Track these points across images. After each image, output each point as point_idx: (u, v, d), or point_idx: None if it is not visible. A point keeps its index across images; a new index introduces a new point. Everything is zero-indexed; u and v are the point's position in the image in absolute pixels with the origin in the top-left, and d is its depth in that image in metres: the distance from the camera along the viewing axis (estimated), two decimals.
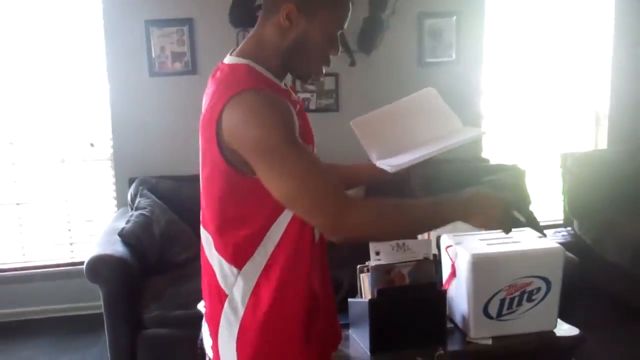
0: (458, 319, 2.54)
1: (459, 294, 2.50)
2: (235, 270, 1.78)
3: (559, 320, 2.57)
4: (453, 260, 2.49)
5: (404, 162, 1.88)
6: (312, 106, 4.77)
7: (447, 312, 2.52)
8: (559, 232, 5.29)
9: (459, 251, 2.44)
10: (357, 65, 4.75)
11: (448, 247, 2.51)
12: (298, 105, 1.79)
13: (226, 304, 1.80)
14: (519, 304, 2.45)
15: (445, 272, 2.58)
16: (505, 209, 1.80)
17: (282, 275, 1.77)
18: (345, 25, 1.80)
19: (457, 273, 2.48)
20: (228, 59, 1.80)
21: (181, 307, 3.62)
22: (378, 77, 4.87)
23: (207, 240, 1.85)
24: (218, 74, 1.78)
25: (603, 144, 5.53)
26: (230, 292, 1.80)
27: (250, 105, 1.64)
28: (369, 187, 3.81)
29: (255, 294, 1.78)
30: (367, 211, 1.69)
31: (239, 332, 1.80)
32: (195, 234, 4.28)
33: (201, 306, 2.84)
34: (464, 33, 4.98)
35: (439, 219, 1.81)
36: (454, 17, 4.94)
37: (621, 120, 5.42)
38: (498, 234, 2.58)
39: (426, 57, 4.97)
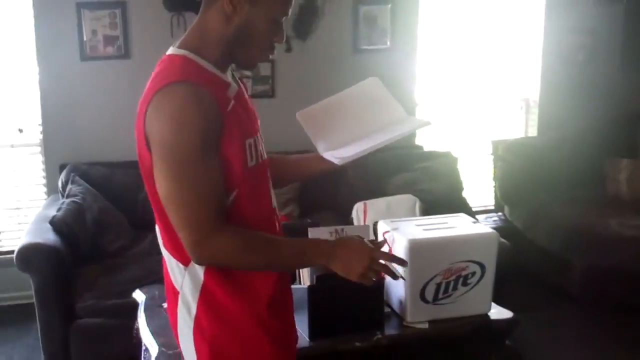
0: (395, 304, 2.57)
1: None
2: (182, 266, 1.75)
3: (493, 303, 2.62)
4: (390, 246, 2.51)
5: (352, 154, 1.86)
6: (248, 92, 4.72)
7: (385, 297, 2.54)
8: (490, 217, 5.39)
9: (396, 237, 2.46)
10: (293, 51, 4.75)
11: (385, 232, 2.53)
12: (232, 102, 1.72)
13: (180, 302, 1.77)
14: (455, 288, 2.50)
15: None
16: (369, 262, 1.74)
17: (233, 271, 1.74)
18: (290, 12, 1.76)
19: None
20: (170, 50, 1.75)
21: (115, 296, 3.57)
22: (314, 63, 4.87)
23: (159, 236, 1.81)
24: (158, 65, 1.73)
25: (533, 131, 5.66)
26: (181, 289, 1.77)
27: (173, 100, 1.60)
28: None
29: (205, 290, 1.74)
30: (233, 242, 1.66)
31: (194, 330, 1.76)
32: (128, 221, 4.25)
33: (137, 295, 2.81)
34: (398, 20, 5.01)
35: (304, 260, 1.83)
36: (389, 5, 4.96)
37: (551, 107, 5.54)
38: (435, 218, 2.65)
39: (361, 44, 4.99)
